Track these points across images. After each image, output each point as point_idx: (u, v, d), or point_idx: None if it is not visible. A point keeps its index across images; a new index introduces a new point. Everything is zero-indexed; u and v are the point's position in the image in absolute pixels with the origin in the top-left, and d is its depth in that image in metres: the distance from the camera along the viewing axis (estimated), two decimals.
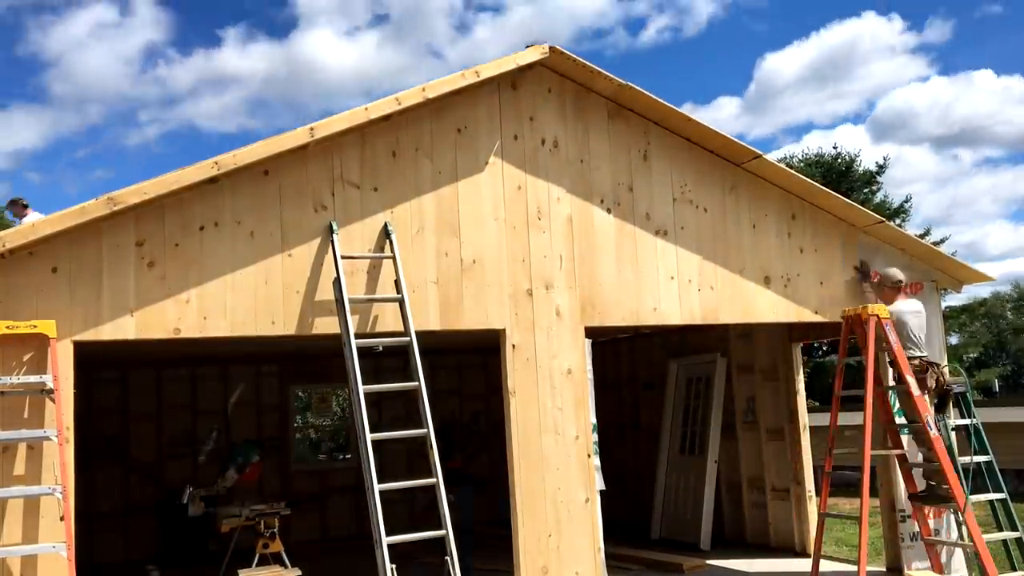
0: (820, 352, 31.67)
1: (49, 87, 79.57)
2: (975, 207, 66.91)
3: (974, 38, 66.58)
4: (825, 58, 65.90)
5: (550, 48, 7.38)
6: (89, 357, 6.32)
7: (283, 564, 8.48)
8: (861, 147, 44.16)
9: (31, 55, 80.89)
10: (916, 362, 8.03)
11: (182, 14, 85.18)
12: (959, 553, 8.61)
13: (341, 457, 14.41)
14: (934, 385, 8.12)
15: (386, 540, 5.98)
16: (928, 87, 66.12)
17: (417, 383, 6.49)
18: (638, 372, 13.05)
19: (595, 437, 7.52)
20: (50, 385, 5.70)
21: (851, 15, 69.19)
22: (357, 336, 6.44)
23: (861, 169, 34.87)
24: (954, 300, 34.15)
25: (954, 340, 41.13)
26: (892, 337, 7.95)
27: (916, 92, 65.21)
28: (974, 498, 7.97)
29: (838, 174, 33.35)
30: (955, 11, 64.21)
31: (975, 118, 65.00)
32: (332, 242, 6.64)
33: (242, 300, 6.38)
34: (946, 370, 8.51)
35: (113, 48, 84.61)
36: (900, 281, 8.34)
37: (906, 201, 35.03)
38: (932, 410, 8.02)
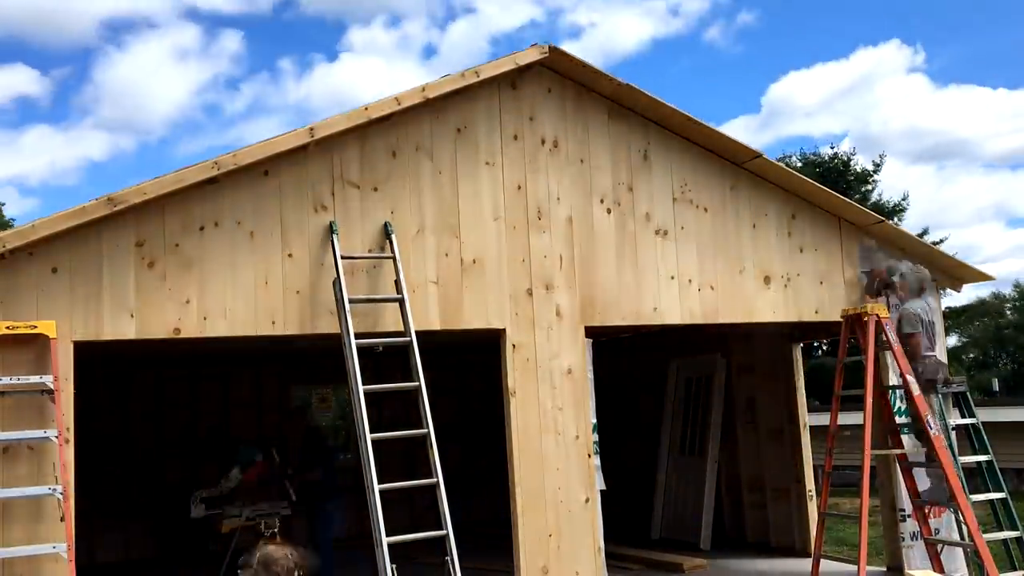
0: (820, 352, 31.68)
1: (114, 108, 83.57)
2: (960, 213, 68.62)
3: (978, 57, 68.11)
4: (835, 78, 67.11)
5: (550, 48, 7.38)
6: (89, 357, 6.32)
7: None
8: (859, 152, 45.00)
9: (102, 78, 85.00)
10: (931, 360, 8.15)
11: (248, 43, 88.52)
12: (959, 553, 8.61)
13: (342, 457, 14.38)
14: (942, 384, 8.28)
15: (386, 540, 5.98)
16: (926, 101, 67.52)
17: (417, 383, 6.50)
18: (638, 372, 13.04)
19: (595, 437, 7.52)
20: (50, 385, 5.70)
21: (869, 43, 70.84)
22: (357, 336, 6.44)
23: (858, 168, 34.90)
24: (953, 301, 34.16)
25: (952, 340, 41.15)
26: (892, 337, 7.95)
27: (915, 106, 66.47)
28: (974, 498, 7.97)
29: (836, 174, 33.36)
30: (963, 32, 65.82)
31: (966, 132, 66.70)
32: (332, 242, 6.63)
33: (242, 300, 6.38)
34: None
35: (179, 73, 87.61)
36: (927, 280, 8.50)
37: (903, 199, 35.08)
38: (938, 408, 8.08)
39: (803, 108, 66.96)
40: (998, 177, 72.18)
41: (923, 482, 8.29)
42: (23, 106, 78.14)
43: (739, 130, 68.33)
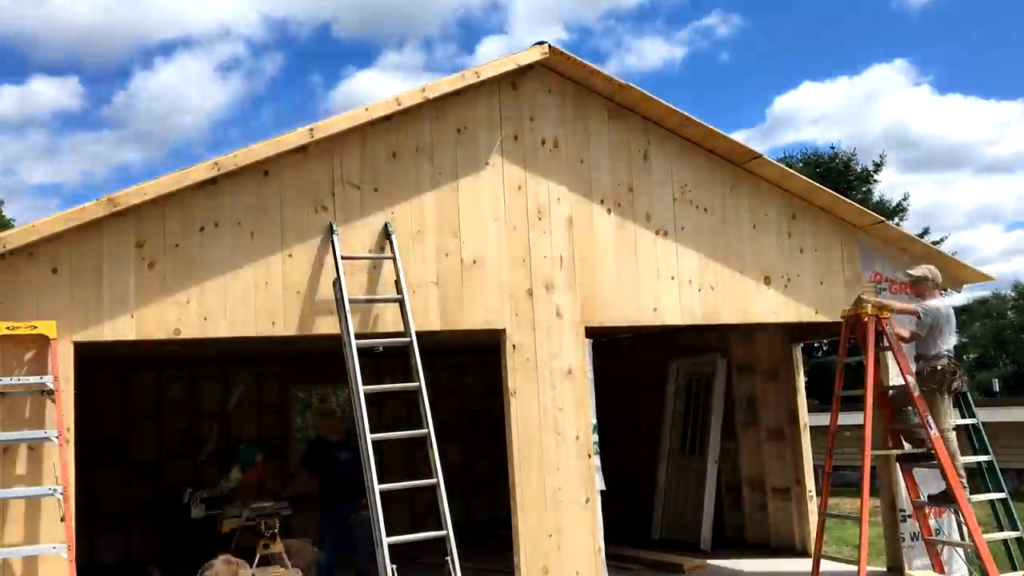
0: (820, 352, 31.69)
1: (150, 120, 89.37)
2: (954, 217, 70.91)
3: (975, 69, 70.74)
4: (835, 93, 69.22)
5: (550, 48, 7.39)
6: (89, 358, 6.32)
7: (283, 564, 8.47)
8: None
9: (143, 92, 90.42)
10: (945, 362, 7.89)
11: (283, 65, 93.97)
12: (959, 552, 8.62)
13: (342, 453, 14.38)
14: (958, 385, 8.02)
15: (386, 540, 5.98)
16: (922, 112, 69.72)
17: (417, 383, 6.50)
18: (638, 372, 13.04)
19: (595, 437, 7.52)
20: (50, 386, 5.69)
21: (872, 59, 73.24)
22: (357, 336, 6.44)
23: (858, 169, 34.90)
24: (954, 300, 34.17)
25: (953, 340, 41.10)
26: (892, 337, 7.94)
27: (911, 117, 68.65)
28: (975, 498, 7.97)
29: (836, 173, 33.37)
30: (962, 46, 68.64)
31: (961, 139, 69.06)
32: (332, 242, 6.63)
33: (242, 301, 6.38)
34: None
35: (213, 91, 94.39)
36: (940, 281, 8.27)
37: (904, 199, 35.10)
38: (948, 411, 7.92)
39: (805, 119, 68.89)
40: (991, 182, 73.75)
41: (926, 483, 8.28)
42: (66, 117, 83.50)
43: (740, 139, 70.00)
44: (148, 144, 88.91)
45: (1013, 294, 47.11)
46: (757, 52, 76.19)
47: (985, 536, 7.77)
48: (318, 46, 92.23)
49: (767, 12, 77.04)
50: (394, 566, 5.94)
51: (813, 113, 69.28)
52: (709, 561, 10.09)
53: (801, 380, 10.65)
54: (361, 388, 6.29)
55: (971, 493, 7.94)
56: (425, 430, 6.44)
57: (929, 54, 71.85)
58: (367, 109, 6.78)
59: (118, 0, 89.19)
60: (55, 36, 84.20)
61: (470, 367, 13.31)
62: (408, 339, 6.61)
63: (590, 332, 7.61)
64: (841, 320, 8.30)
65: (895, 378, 8.37)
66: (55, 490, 5.60)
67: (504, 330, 7.22)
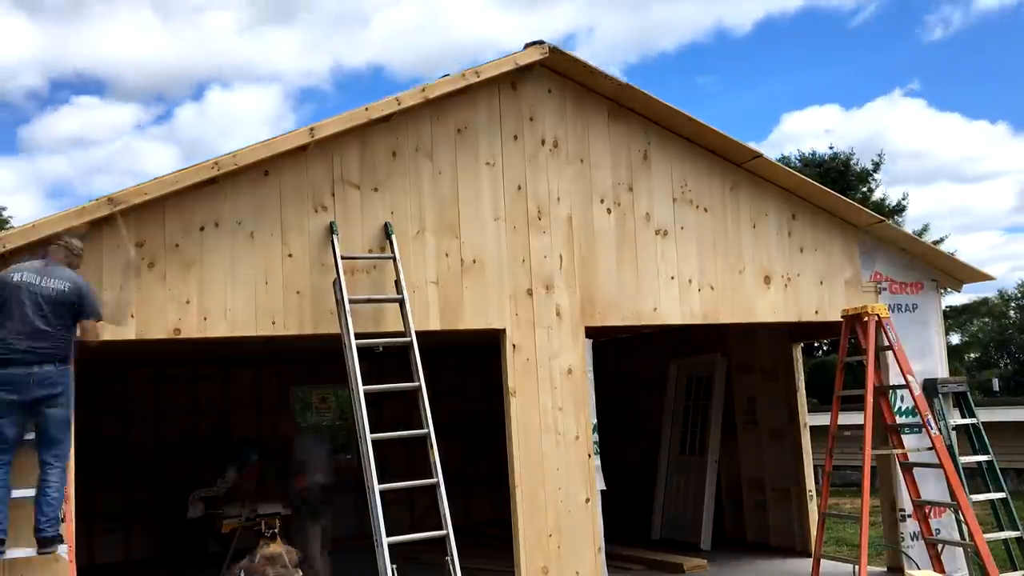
0: (820, 352, 31.67)
1: (202, 141, 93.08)
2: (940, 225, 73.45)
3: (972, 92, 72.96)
4: (834, 113, 71.50)
5: (550, 48, 7.38)
6: (89, 357, 6.31)
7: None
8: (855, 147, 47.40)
9: (196, 116, 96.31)
10: None
11: (337, 100, 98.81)
12: (959, 552, 8.61)
13: (342, 457, 14.40)
14: None
15: (386, 540, 5.98)
16: (922, 127, 71.84)
17: (417, 383, 6.49)
18: (638, 372, 13.04)
19: (595, 437, 7.52)
20: None
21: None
22: (357, 336, 6.43)
23: (858, 168, 34.87)
24: (954, 299, 34.20)
25: (955, 340, 41.13)
26: (893, 336, 7.95)
27: (912, 131, 70.91)
28: (975, 498, 7.98)
29: (836, 173, 33.34)
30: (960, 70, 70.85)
31: (950, 155, 71.46)
32: (332, 242, 6.63)
33: (242, 300, 6.37)
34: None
35: (265, 119, 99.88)
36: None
37: (903, 199, 35.07)
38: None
39: (809, 134, 70.92)
40: (978, 192, 75.73)
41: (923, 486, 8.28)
42: (130, 134, 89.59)
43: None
44: (195, 158, 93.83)
45: (1018, 292, 47.11)
46: (770, 75, 78.80)
47: (985, 536, 7.77)
48: (371, 88, 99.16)
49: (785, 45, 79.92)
50: (394, 566, 5.94)
51: (816, 130, 71.68)
52: (709, 561, 10.09)
53: (801, 380, 10.65)
54: (361, 388, 6.29)
55: (971, 493, 7.96)
56: (425, 430, 6.43)
57: (928, 76, 74.18)
58: (367, 109, 6.77)
59: (188, 39, 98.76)
60: (131, 68, 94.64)
61: (470, 367, 13.30)
62: (408, 339, 6.60)
63: (590, 332, 7.61)
64: (841, 320, 8.31)
65: (895, 378, 8.37)
66: None
67: (504, 330, 7.22)
